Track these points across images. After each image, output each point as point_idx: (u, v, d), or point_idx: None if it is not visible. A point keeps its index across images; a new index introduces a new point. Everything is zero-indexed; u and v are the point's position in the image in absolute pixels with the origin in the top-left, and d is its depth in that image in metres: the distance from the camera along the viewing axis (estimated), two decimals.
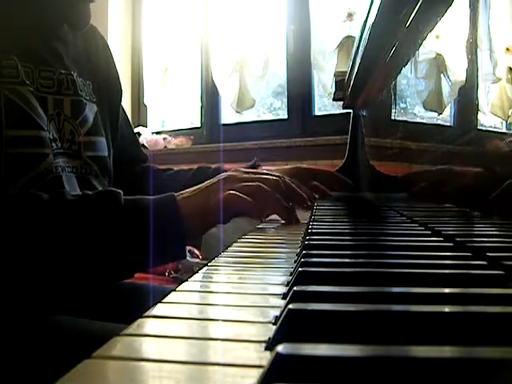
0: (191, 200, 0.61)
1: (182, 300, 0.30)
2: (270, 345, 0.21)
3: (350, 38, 2.18)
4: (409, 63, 0.72)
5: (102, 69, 0.88)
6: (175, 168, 1.01)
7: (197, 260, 2.06)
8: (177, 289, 0.32)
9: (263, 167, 0.98)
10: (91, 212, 0.57)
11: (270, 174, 0.68)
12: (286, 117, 2.47)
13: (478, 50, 0.50)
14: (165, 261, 0.64)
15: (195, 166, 0.98)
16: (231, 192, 0.60)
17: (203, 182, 0.65)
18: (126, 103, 2.80)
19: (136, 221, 0.57)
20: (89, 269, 0.57)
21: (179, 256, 0.61)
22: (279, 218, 0.70)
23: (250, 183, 0.63)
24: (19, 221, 0.56)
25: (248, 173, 0.67)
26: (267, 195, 0.63)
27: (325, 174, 1.06)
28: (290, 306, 0.22)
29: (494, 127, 0.52)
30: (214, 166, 0.97)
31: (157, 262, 0.60)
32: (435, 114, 0.70)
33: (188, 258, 2.04)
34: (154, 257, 0.56)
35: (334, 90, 1.35)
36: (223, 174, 0.66)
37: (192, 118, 2.80)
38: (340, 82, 1.28)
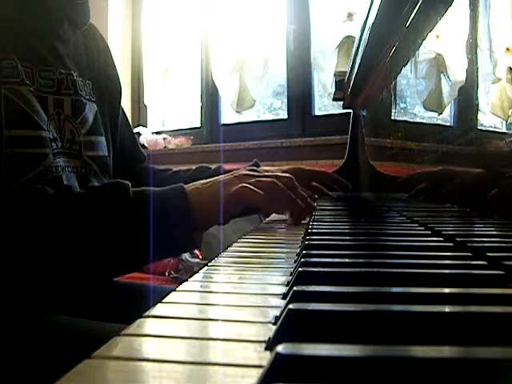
0: (201, 191, 0.61)
1: (182, 300, 0.30)
2: (269, 345, 0.21)
3: (350, 37, 2.18)
4: (409, 63, 0.72)
5: (101, 69, 0.88)
6: (174, 168, 1.01)
7: (197, 260, 2.06)
8: (177, 289, 0.32)
9: (266, 167, 0.98)
10: (100, 203, 0.57)
11: (282, 175, 0.69)
12: (286, 117, 2.47)
13: (478, 49, 0.50)
14: (173, 251, 0.64)
15: (194, 167, 0.98)
16: (244, 185, 0.61)
17: None
18: (126, 103, 2.80)
19: (144, 211, 0.56)
20: (99, 260, 0.57)
21: (188, 247, 0.61)
22: (280, 218, 0.70)
23: (264, 178, 0.63)
24: (26, 215, 0.56)
25: (261, 171, 0.67)
26: (281, 191, 0.63)
27: (324, 176, 1.06)
28: (290, 306, 0.22)
29: (494, 127, 0.52)
30: (213, 166, 0.97)
31: (165, 252, 0.60)
32: (435, 114, 0.70)
33: (188, 257, 2.04)
34: (163, 247, 0.56)
35: (334, 90, 1.36)
36: (236, 171, 0.66)
37: (192, 118, 2.80)
38: (340, 82, 1.28)
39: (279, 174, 0.68)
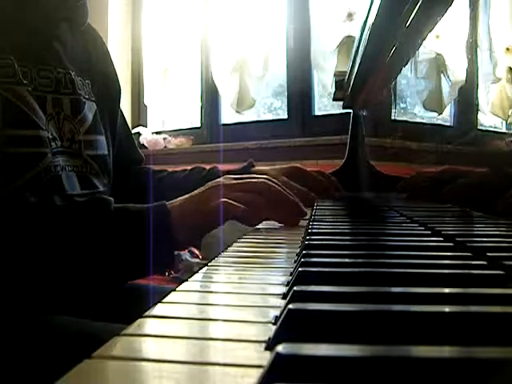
0: (183, 208, 0.61)
1: (182, 300, 0.30)
2: (270, 345, 0.21)
3: (350, 37, 2.18)
4: (409, 63, 0.72)
5: (100, 68, 0.88)
6: (170, 169, 1.01)
7: (197, 260, 2.06)
8: (177, 289, 0.32)
9: (262, 167, 0.98)
10: (80, 219, 0.57)
11: (259, 177, 0.67)
12: (286, 117, 2.47)
13: (478, 49, 0.50)
14: (155, 269, 0.63)
15: (190, 168, 0.98)
16: (224, 200, 0.60)
17: (197, 182, 0.65)
18: (126, 103, 2.80)
19: (125, 229, 0.57)
20: (78, 275, 0.57)
21: (167, 265, 0.61)
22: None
23: (244, 190, 0.62)
24: (6, 228, 0.56)
25: (237, 179, 0.66)
26: (261, 204, 0.62)
27: (319, 176, 1.05)
28: (290, 306, 0.22)
29: (494, 127, 0.52)
30: (208, 167, 0.96)
31: (147, 270, 0.59)
32: (435, 114, 0.70)
33: (188, 258, 2.04)
34: (143, 265, 0.56)
35: (333, 89, 1.35)
36: (213, 182, 0.65)
37: (192, 118, 2.80)
38: (340, 82, 1.28)
39: (256, 179, 0.66)
